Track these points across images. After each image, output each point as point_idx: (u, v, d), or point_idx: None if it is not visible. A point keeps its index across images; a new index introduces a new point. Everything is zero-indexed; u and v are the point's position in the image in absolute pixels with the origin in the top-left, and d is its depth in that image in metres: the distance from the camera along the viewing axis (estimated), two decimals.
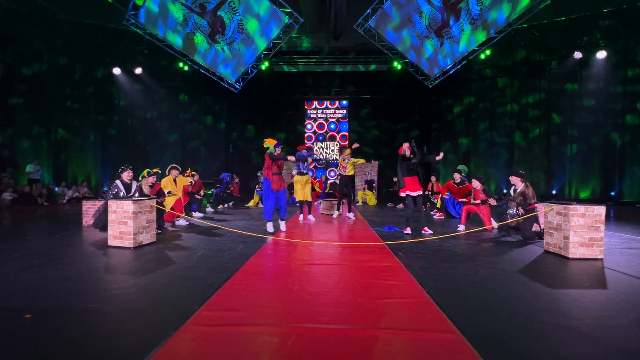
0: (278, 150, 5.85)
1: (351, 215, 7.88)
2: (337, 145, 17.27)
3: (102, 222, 5.41)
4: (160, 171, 6.47)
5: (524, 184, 5.46)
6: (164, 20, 10.46)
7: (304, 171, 7.35)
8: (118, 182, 5.30)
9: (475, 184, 6.40)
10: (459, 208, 7.85)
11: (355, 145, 7.67)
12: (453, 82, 14.35)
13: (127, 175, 5.34)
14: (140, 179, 6.02)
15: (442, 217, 8.15)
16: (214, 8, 10.39)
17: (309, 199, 7.44)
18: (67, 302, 2.53)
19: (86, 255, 4.04)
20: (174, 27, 10.66)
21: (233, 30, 10.94)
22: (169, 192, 6.44)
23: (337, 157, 17.26)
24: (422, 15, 10.58)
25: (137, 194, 5.39)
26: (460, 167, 8.33)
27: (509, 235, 5.59)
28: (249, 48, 11.36)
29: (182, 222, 6.67)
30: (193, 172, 8.45)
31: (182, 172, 7.06)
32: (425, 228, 5.80)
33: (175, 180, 6.69)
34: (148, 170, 6.15)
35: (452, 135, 15.68)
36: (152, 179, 6.09)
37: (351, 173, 7.82)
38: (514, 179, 5.56)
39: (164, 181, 6.54)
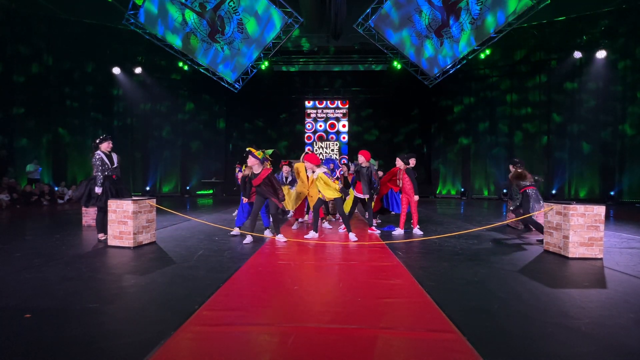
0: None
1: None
2: (337, 145, 17.25)
3: (84, 196, 4.84)
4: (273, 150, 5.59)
5: (513, 168, 5.43)
6: (164, 20, 10.46)
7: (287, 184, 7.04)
8: (100, 152, 4.84)
9: (399, 163, 5.78)
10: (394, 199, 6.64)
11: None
12: (453, 81, 14.34)
13: (106, 146, 4.91)
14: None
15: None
16: (213, 8, 10.39)
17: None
18: (67, 302, 2.53)
19: (86, 255, 4.04)
20: (174, 26, 10.65)
21: (233, 30, 10.93)
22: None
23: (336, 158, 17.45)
24: (422, 15, 10.57)
25: (117, 166, 4.96)
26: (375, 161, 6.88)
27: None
28: (248, 47, 11.35)
29: (249, 238, 4.93)
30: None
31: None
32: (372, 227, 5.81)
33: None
34: (263, 150, 5.05)
35: (451, 134, 15.67)
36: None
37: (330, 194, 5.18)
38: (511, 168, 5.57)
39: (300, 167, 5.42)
